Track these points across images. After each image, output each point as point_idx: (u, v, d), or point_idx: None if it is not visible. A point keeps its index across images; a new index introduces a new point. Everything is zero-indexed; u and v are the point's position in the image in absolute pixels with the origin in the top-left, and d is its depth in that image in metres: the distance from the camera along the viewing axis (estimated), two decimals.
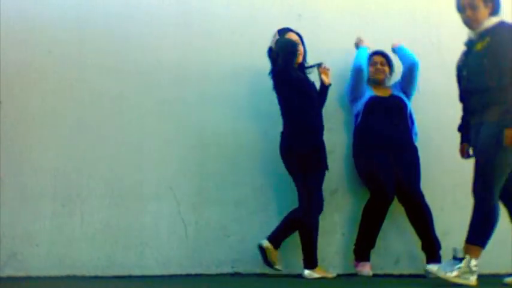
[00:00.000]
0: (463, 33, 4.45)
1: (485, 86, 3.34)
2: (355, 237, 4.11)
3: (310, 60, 4.14)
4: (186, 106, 4.24)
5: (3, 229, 3.96)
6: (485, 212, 3.37)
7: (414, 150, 4.14)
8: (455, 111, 4.29)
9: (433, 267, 3.31)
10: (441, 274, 3.26)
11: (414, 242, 4.12)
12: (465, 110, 3.66)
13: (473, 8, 3.42)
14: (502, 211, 3.54)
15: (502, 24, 3.42)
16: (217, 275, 4.06)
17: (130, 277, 3.97)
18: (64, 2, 4.22)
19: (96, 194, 4.06)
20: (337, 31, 4.27)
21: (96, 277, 3.96)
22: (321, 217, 4.13)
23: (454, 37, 4.42)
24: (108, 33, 4.25)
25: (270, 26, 3.99)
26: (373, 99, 4.09)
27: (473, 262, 3.29)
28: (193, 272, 4.08)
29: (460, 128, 3.75)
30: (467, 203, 4.24)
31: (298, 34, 4.03)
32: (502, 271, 4.11)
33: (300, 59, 4.01)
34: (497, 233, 4.24)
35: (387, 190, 3.94)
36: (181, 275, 4.04)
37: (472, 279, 3.29)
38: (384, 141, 4.03)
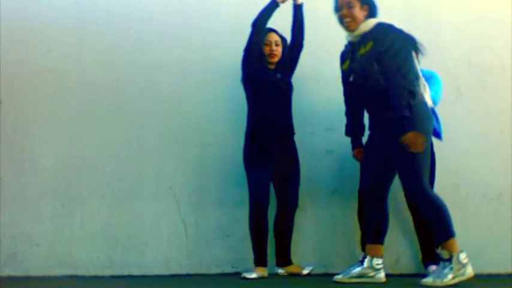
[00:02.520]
0: (463, 33, 4.48)
1: (381, 88, 3.33)
2: (355, 237, 4.10)
3: (311, 60, 4.15)
4: (186, 105, 4.25)
5: (3, 229, 3.96)
6: (435, 204, 3.35)
7: None
8: (454, 110, 4.30)
9: (427, 280, 3.30)
10: (438, 283, 3.25)
11: (414, 242, 4.11)
12: (355, 113, 3.69)
13: (349, 7, 3.45)
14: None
15: (380, 25, 3.43)
16: (217, 274, 4.06)
17: (130, 277, 3.98)
18: (64, 1, 4.22)
19: (96, 194, 4.07)
20: (337, 30, 4.25)
21: (96, 277, 3.96)
22: (321, 217, 4.15)
23: (454, 37, 4.45)
24: (108, 33, 4.25)
25: (270, 25, 3.97)
26: None
27: (462, 255, 3.28)
28: (193, 271, 4.09)
29: (351, 132, 3.77)
30: (467, 203, 4.27)
31: (281, 36, 4.00)
32: (502, 271, 4.12)
33: (275, 59, 3.97)
34: (497, 233, 4.26)
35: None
36: (181, 275, 4.04)
37: (468, 271, 3.28)
38: None
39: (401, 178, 3.45)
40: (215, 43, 4.30)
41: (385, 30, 3.40)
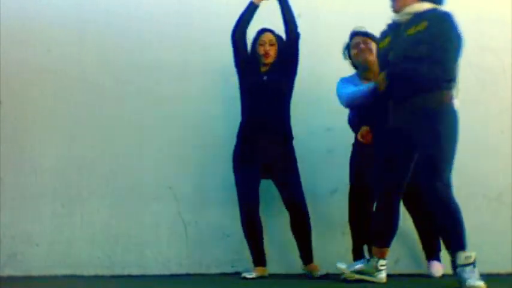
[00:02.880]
0: (463, 33, 4.47)
1: (416, 72, 3.19)
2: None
3: (311, 60, 4.14)
4: (186, 105, 4.25)
5: (3, 229, 3.97)
6: (450, 208, 3.22)
7: None
8: None
9: (474, 285, 3.07)
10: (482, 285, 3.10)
11: (414, 242, 4.11)
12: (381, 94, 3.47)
13: None
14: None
15: (439, 10, 3.27)
16: (217, 274, 4.07)
17: (130, 277, 3.98)
18: (64, 1, 4.22)
19: (96, 194, 4.08)
20: (337, 31, 4.26)
21: (96, 277, 3.97)
22: (321, 217, 4.14)
23: None
24: (108, 33, 4.26)
25: (269, 25, 3.98)
26: None
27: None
28: (193, 271, 4.09)
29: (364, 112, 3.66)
30: (467, 203, 4.24)
31: (277, 36, 3.95)
32: (502, 271, 4.12)
33: (269, 59, 3.92)
34: (497, 233, 4.26)
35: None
36: (181, 275, 4.05)
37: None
38: None
39: (421, 169, 3.25)
40: (215, 43, 4.30)
41: (445, 16, 3.21)
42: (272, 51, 3.93)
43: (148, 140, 4.18)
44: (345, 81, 3.90)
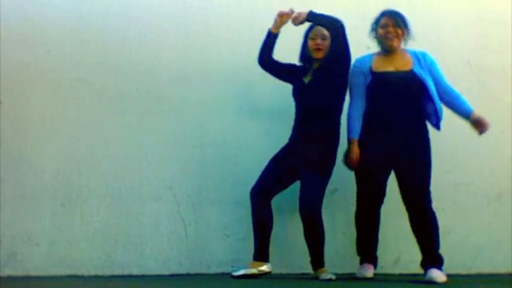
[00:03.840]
0: (463, 33, 4.48)
1: None
2: (355, 237, 4.09)
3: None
4: (186, 106, 4.25)
5: (3, 229, 3.97)
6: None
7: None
8: None
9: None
10: None
11: (414, 241, 4.11)
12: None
13: None
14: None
15: None
16: (217, 274, 4.07)
17: (130, 277, 3.98)
18: (64, 2, 4.22)
19: (96, 194, 4.08)
20: None
21: (96, 277, 3.97)
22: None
23: (454, 37, 4.45)
24: (107, 33, 4.25)
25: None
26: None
27: None
28: (193, 271, 4.09)
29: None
30: (467, 203, 4.28)
31: (331, 29, 3.79)
32: (502, 271, 4.12)
33: (320, 54, 3.83)
34: (497, 233, 4.27)
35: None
36: (181, 275, 4.05)
37: None
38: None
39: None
40: (215, 43, 4.31)
41: None
42: (324, 46, 3.83)
43: (148, 140, 4.18)
44: (356, 68, 3.88)
